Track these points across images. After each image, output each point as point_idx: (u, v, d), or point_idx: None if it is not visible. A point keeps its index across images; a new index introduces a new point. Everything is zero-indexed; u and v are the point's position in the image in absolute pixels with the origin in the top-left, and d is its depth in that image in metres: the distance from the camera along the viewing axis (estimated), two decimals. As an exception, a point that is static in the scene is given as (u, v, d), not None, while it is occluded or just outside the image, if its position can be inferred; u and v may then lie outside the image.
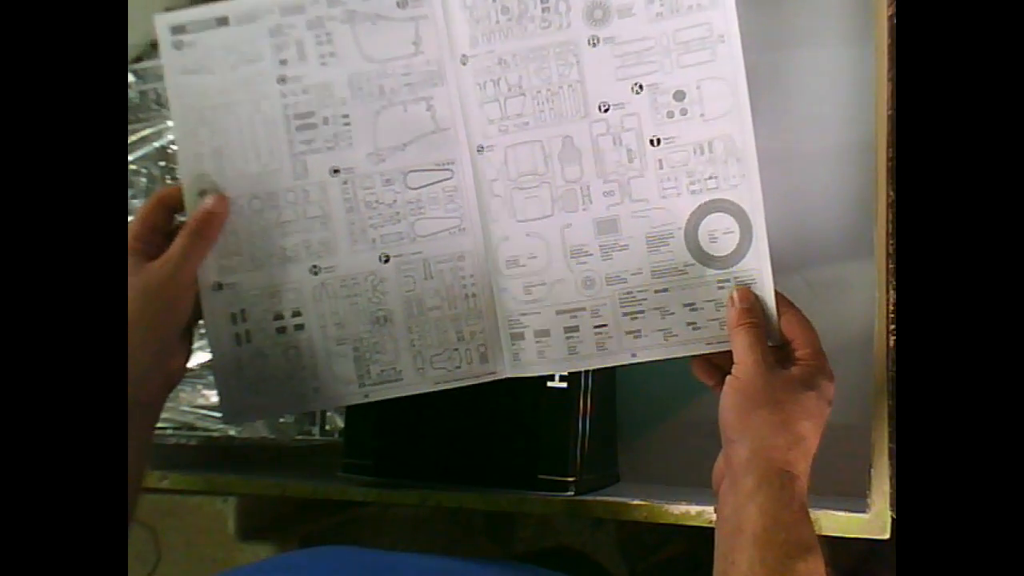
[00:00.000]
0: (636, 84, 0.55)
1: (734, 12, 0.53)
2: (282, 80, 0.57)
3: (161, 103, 0.75)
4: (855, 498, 0.58)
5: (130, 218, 0.71)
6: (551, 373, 0.61)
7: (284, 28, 0.57)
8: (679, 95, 0.55)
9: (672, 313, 0.55)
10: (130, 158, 0.75)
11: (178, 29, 0.57)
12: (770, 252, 0.54)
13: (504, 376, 0.58)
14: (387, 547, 0.56)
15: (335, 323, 0.58)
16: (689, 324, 0.55)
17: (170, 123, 0.74)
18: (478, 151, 0.57)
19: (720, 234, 0.55)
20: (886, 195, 0.58)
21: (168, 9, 0.58)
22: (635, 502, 0.62)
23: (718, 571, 0.49)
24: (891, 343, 0.57)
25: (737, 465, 0.49)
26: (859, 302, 0.63)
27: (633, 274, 0.56)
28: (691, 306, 0.55)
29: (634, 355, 0.56)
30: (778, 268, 0.54)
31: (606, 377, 0.67)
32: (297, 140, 0.57)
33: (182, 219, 0.58)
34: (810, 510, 0.57)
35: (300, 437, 0.73)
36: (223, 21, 0.57)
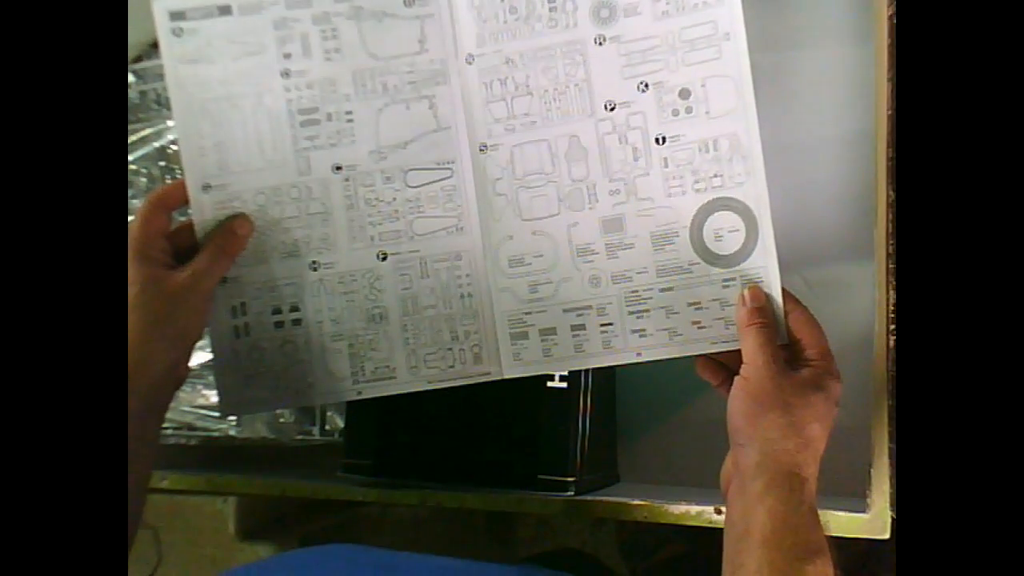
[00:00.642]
0: (642, 83, 0.55)
1: (740, 10, 0.53)
2: (286, 74, 0.57)
3: (161, 103, 0.75)
4: (855, 498, 0.58)
5: (131, 218, 0.71)
6: (553, 372, 0.61)
7: (289, 21, 0.57)
8: (684, 93, 0.55)
9: (677, 312, 0.56)
10: (130, 158, 0.75)
11: (177, 15, 0.56)
12: (773, 251, 0.54)
13: (499, 377, 0.58)
14: (387, 547, 0.56)
15: (331, 319, 0.58)
16: (694, 323, 0.55)
17: (170, 123, 0.74)
18: (480, 150, 0.57)
19: (726, 232, 0.55)
20: (886, 195, 0.58)
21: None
22: (635, 502, 0.62)
23: (726, 574, 0.48)
24: (891, 343, 0.57)
25: (746, 468, 0.49)
26: (859, 302, 0.63)
27: (639, 273, 0.56)
28: (696, 305, 0.55)
29: (639, 354, 0.56)
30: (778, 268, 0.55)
31: (606, 377, 0.67)
32: (301, 136, 0.57)
33: (181, 218, 0.58)
34: (813, 511, 0.57)
35: (300, 437, 0.74)
36: (225, 10, 0.56)
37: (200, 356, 0.69)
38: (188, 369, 0.58)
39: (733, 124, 0.54)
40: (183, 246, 0.56)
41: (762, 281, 0.54)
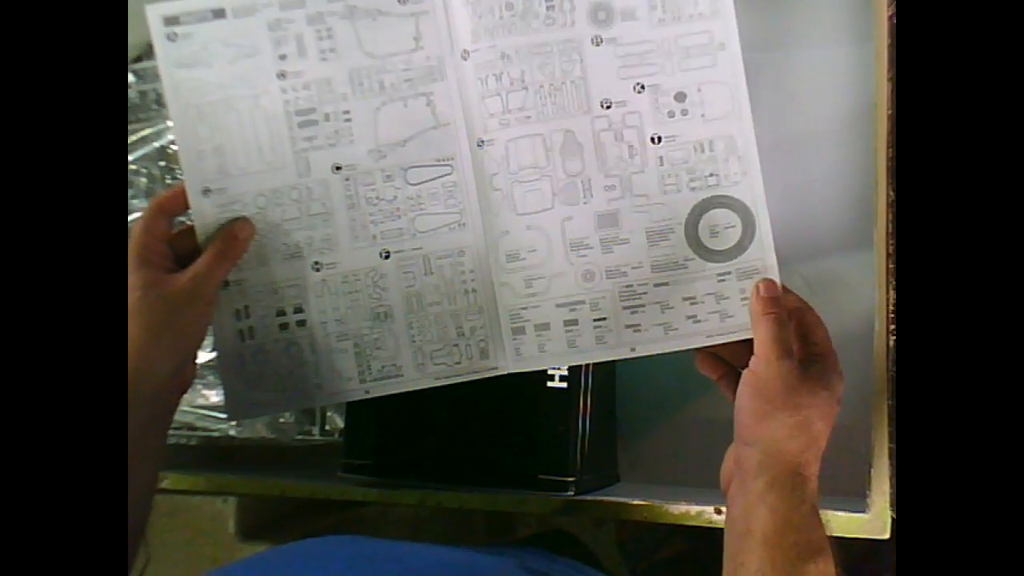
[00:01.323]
0: (638, 84, 0.55)
1: (734, 21, 0.54)
2: (282, 75, 0.57)
3: (161, 103, 0.75)
4: (855, 498, 0.58)
5: (130, 217, 0.70)
6: (551, 367, 0.61)
7: (283, 22, 0.56)
8: (680, 96, 0.55)
9: (672, 307, 0.56)
10: (130, 158, 0.75)
11: (171, 20, 0.56)
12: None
13: (506, 371, 0.58)
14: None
15: (336, 319, 0.58)
16: (689, 317, 0.55)
17: (170, 123, 0.73)
18: (478, 145, 0.57)
19: (721, 228, 0.55)
20: (886, 195, 0.58)
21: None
22: (635, 502, 0.62)
23: (727, 573, 0.48)
24: (891, 343, 0.57)
25: (748, 466, 0.49)
26: (859, 302, 0.63)
27: (633, 268, 0.56)
28: (691, 299, 0.55)
29: (634, 349, 0.56)
30: (778, 267, 0.54)
31: (606, 376, 0.67)
32: (299, 137, 0.57)
33: (182, 220, 0.58)
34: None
35: (300, 437, 0.73)
36: (219, 13, 0.56)
37: (200, 356, 0.69)
38: (193, 373, 0.58)
39: (728, 127, 0.55)
40: (184, 251, 0.56)
41: (759, 273, 0.54)
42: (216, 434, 0.74)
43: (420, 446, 0.65)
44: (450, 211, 0.58)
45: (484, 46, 0.56)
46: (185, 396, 0.74)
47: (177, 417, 0.74)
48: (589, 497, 0.63)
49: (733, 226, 0.55)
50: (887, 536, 0.56)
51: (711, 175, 0.55)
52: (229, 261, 0.56)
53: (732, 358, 0.55)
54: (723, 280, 0.55)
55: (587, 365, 0.62)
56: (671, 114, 0.55)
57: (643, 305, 0.56)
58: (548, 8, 0.55)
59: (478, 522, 1.19)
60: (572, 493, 0.61)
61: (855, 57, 0.66)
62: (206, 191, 0.57)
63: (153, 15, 0.56)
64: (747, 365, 0.51)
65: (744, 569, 0.46)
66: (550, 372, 0.62)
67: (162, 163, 0.75)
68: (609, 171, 0.56)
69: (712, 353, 0.55)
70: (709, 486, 0.55)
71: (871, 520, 0.57)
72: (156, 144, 0.75)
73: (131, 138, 0.75)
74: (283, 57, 0.57)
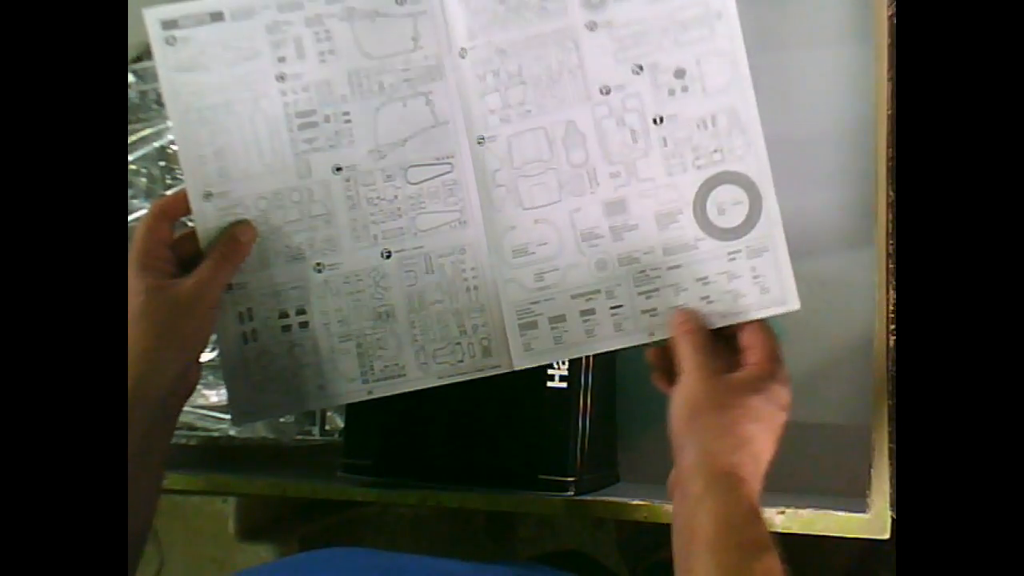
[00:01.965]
0: (636, 65, 0.55)
1: None
2: (281, 78, 0.57)
3: (161, 103, 0.75)
4: (855, 498, 0.58)
5: (131, 218, 0.70)
6: (565, 358, 0.61)
7: (281, 25, 0.56)
8: (679, 72, 0.55)
9: (686, 289, 0.56)
10: (130, 158, 0.75)
11: (169, 24, 0.56)
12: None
13: (510, 369, 0.58)
14: (387, 547, 0.56)
15: (339, 320, 0.58)
16: (703, 298, 0.56)
17: (171, 123, 0.73)
18: (479, 142, 0.57)
19: (729, 206, 0.55)
20: (886, 195, 0.58)
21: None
22: (635, 502, 0.62)
23: None
24: (891, 343, 0.57)
25: (685, 471, 0.50)
26: (859, 302, 0.63)
27: (645, 253, 0.56)
28: (704, 280, 0.56)
29: (652, 334, 0.56)
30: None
31: (606, 377, 0.67)
32: (299, 139, 0.57)
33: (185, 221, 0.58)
34: (810, 510, 0.57)
35: (300, 437, 0.73)
36: (217, 16, 0.56)
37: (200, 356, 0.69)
38: (197, 377, 0.58)
39: (730, 98, 0.55)
40: (186, 255, 0.56)
41: (768, 250, 0.55)
42: (216, 434, 0.74)
43: (420, 446, 0.65)
44: (451, 209, 0.58)
45: (480, 43, 0.56)
46: (185, 396, 0.74)
47: (177, 417, 0.74)
48: (589, 497, 0.63)
49: (740, 203, 0.55)
50: (887, 536, 0.56)
51: (715, 151, 0.55)
52: (232, 265, 0.56)
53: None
54: (734, 259, 0.55)
55: (587, 365, 0.62)
56: (671, 92, 0.55)
57: (657, 289, 0.56)
58: None
59: (478, 522, 1.19)
60: (572, 493, 0.62)
61: (855, 57, 0.66)
62: (207, 195, 0.57)
63: (151, 19, 0.56)
64: None
65: (692, 575, 0.46)
66: (550, 372, 0.62)
67: (162, 163, 0.75)
68: (613, 158, 0.56)
69: (665, 369, 0.56)
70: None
71: (871, 520, 0.57)
72: (156, 144, 0.75)
73: (131, 138, 0.75)
74: (282, 59, 0.57)
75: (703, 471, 0.48)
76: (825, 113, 0.68)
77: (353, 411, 0.67)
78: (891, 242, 0.57)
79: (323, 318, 0.58)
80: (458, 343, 0.58)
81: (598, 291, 0.57)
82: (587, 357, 0.62)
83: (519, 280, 0.58)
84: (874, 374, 0.58)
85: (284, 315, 0.58)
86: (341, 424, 0.72)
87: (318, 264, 0.58)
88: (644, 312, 0.56)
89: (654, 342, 0.56)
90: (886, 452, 0.57)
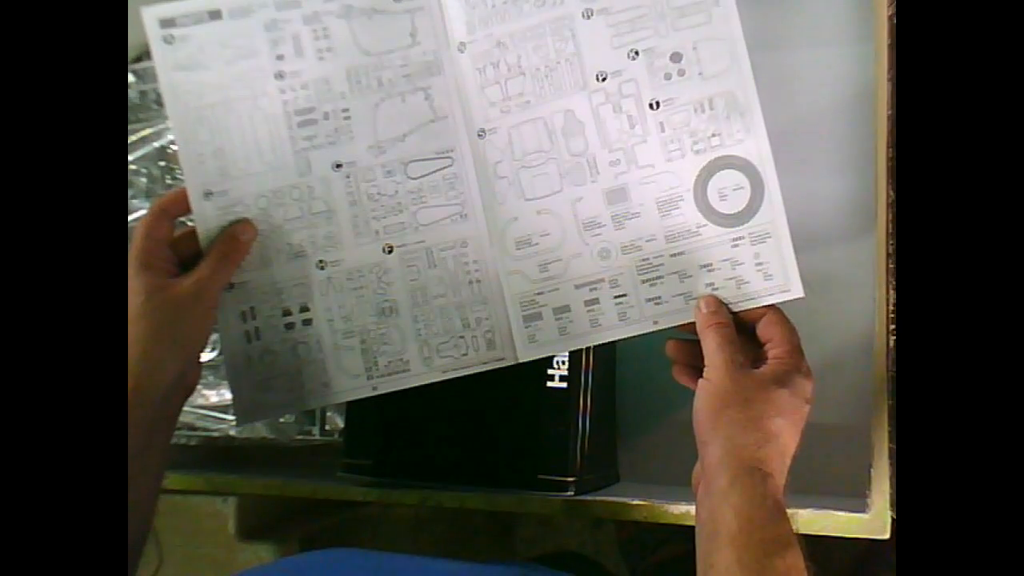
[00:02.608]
0: (632, 50, 0.55)
1: None
2: (280, 76, 0.57)
3: (161, 103, 0.75)
4: (855, 498, 0.58)
5: (131, 218, 0.70)
6: (571, 349, 0.60)
7: (280, 23, 0.57)
8: (676, 56, 0.55)
9: (690, 276, 0.56)
10: (130, 158, 0.75)
11: (167, 22, 0.56)
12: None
13: (513, 361, 0.58)
14: (387, 547, 0.56)
15: (342, 316, 0.58)
16: (708, 285, 0.55)
17: (170, 122, 0.73)
18: (479, 136, 0.57)
19: (730, 191, 0.55)
20: (886, 195, 0.58)
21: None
22: (635, 502, 0.62)
23: (700, 574, 0.48)
24: (891, 343, 0.57)
25: (710, 466, 0.50)
26: (859, 302, 0.63)
27: (648, 241, 0.56)
28: (708, 267, 0.55)
29: (656, 322, 0.56)
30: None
31: (606, 376, 0.67)
32: (299, 136, 0.57)
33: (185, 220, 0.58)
34: (810, 510, 0.57)
35: (300, 437, 0.73)
36: (216, 15, 0.56)
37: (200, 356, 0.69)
38: (197, 377, 0.58)
39: (728, 83, 0.54)
40: (186, 254, 0.56)
41: (771, 236, 0.54)
42: (216, 434, 0.74)
43: (420, 446, 0.65)
44: (451, 203, 0.58)
45: (479, 36, 0.57)
46: (185, 396, 0.74)
47: (177, 417, 0.74)
48: (589, 497, 0.63)
49: (741, 187, 0.55)
50: (887, 536, 0.56)
51: (713, 135, 0.55)
52: (232, 264, 0.56)
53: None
54: (737, 245, 0.55)
55: (587, 365, 0.62)
56: (667, 76, 0.55)
57: (661, 277, 0.56)
58: None
59: (478, 522, 1.19)
60: (572, 493, 0.62)
61: (855, 57, 0.66)
62: (208, 194, 0.57)
63: (149, 17, 0.56)
64: None
65: (714, 570, 0.46)
66: (550, 372, 0.62)
67: (162, 163, 0.75)
68: (612, 145, 0.56)
69: (687, 363, 0.56)
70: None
71: (871, 520, 0.57)
72: (156, 144, 0.75)
73: (131, 138, 0.75)
74: (280, 57, 0.57)
75: (730, 465, 0.48)
76: (824, 113, 0.68)
77: (353, 411, 0.67)
78: (891, 242, 0.57)
79: (326, 315, 0.58)
80: (462, 337, 0.58)
81: (602, 280, 0.57)
82: (587, 357, 0.62)
83: (523, 271, 0.58)
84: (874, 374, 0.58)
85: (287, 313, 0.58)
86: (341, 424, 0.72)
87: (320, 261, 0.58)
88: (648, 300, 0.56)
89: (674, 335, 0.56)
90: (886, 452, 0.57)
